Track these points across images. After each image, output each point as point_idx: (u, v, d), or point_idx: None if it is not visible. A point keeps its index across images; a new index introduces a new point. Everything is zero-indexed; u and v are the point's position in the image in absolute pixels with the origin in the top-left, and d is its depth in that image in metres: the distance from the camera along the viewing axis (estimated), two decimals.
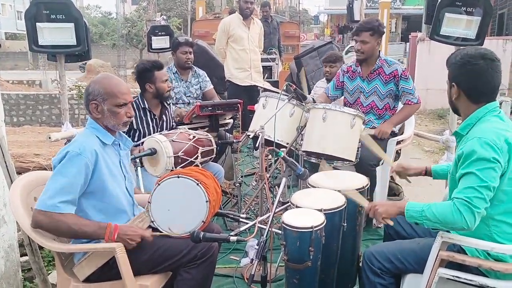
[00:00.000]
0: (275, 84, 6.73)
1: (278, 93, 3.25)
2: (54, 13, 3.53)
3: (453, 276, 1.85)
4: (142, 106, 3.27)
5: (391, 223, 2.00)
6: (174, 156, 2.83)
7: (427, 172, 2.36)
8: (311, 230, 1.91)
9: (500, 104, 2.01)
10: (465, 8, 3.61)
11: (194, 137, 3.01)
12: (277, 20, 8.11)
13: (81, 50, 3.68)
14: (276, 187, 3.13)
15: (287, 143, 3.13)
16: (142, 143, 3.00)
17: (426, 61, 11.65)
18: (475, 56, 1.88)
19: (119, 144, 2.22)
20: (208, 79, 4.38)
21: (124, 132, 2.27)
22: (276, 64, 7.48)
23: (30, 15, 3.51)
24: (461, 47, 2.00)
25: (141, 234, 2.06)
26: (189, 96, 4.23)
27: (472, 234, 1.84)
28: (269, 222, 1.96)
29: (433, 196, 4.76)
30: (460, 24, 3.65)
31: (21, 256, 3.07)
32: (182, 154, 2.88)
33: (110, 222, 2.04)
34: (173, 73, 4.20)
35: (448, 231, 1.93)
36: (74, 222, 1.96)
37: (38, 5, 3.51)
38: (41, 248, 2.62)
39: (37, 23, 3.51)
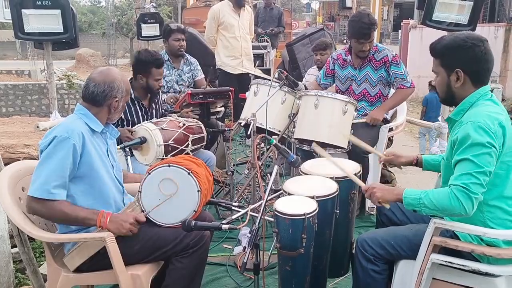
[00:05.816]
0: (267, 72, 6.68)
1: (269, 80, 3.21)
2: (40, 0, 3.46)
3: (446, 261, 1.85)
4: (131, 95, 3.18)
5: (387, 206, 1.99)
6: (164, 145, 2.79)
7: (418, 162, 2.32)
8: (303, 217, 1.90)
9: (491, 91, 1.97)
10: None
11: (184, 124, 2.97)
12: (280, 10, 8.07)
13: (69, 38, 3.62)
14: (269, 175, 3.11)
15: (279, 131, 3.11)
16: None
17: (418, 49, 11.64)
18: (477, 39, 1.84)
19: (107, 133, 2.21)
20: (199, 68, 4.31)
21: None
22: (268, 52, 7.43)
23: (16, 2, 3.44)
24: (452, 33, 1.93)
25: (134, 216, 2.06)
26: (181, 84, 4.16)
27: (465, 220, 1.83)
28: (261, 210, 1.95)
29: (425, 183, 4.79)
30: (452, 9, 3.63)
31: (13, 247, 3.03)
32: (173, 142, 2.84)
33: (103, 210, 2.03)
34: (165, 60, 4.11)
35: (442, 218, 1.92)
36: (68, 208, 1.97)
37: None
38: (33, 239, 2.59)
39: (22, 10, 3.44)
